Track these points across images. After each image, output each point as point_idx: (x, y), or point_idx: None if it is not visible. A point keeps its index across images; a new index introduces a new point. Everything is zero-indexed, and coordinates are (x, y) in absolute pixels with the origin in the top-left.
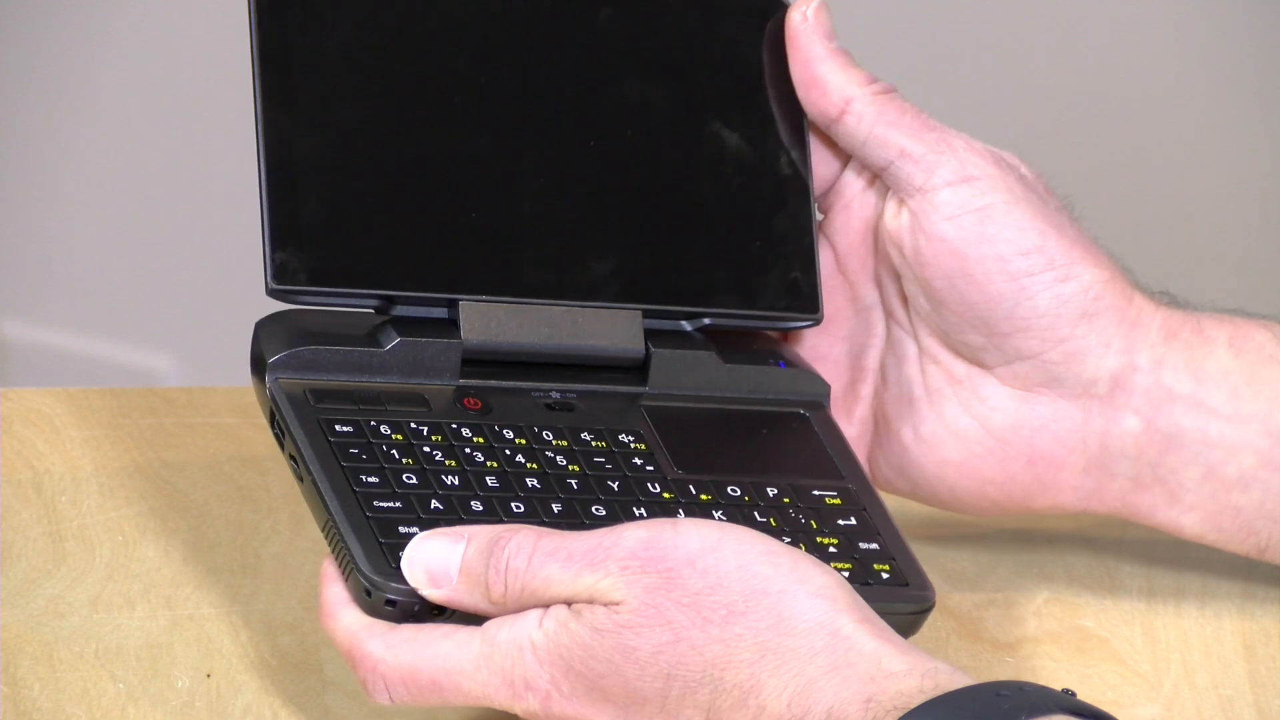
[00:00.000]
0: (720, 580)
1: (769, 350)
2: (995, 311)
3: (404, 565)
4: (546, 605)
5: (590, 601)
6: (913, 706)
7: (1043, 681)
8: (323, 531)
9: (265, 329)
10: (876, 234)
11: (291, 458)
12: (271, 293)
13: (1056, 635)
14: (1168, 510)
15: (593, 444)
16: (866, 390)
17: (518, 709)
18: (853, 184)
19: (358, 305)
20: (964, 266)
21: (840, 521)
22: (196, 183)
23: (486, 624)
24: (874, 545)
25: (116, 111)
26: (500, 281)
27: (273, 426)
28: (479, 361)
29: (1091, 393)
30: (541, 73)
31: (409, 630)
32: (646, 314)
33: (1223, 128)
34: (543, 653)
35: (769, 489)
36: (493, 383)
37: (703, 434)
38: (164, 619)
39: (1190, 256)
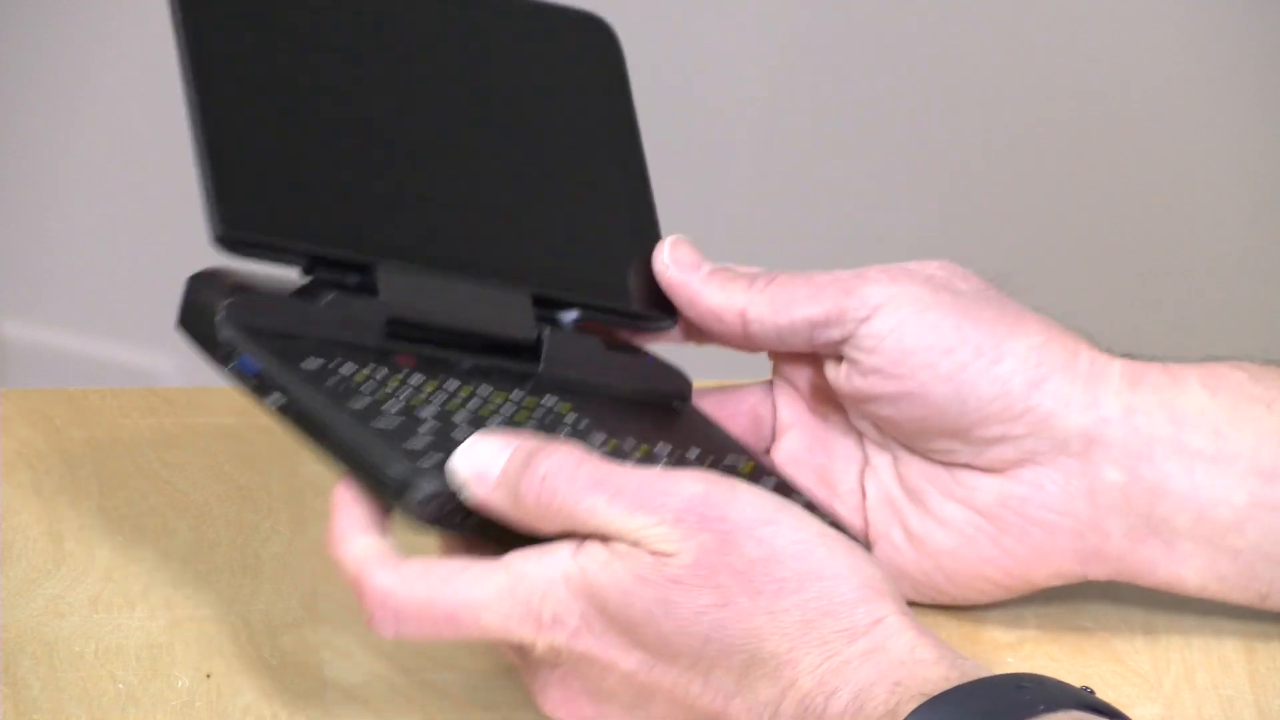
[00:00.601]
0: (776, 554)
1: (635, 344)
2: (946, 416)
3: (455, 460)
4: (580, 535)
5: (635, 544)
6: (937, 693)
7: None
8: (330, 455)
9: (199, 282)
10: (826, 383)
11: (278, 390)
12: (219, 239)
13: (1056, 635)
14: (1167, 563)
15: (525, 401)
16: (853, 508)
17: (540, 643)
18: (787, 364)
19: (291, 261)
20: (901, 389)
21: (764, 479)
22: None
23: (508, 556)
24: (805, 501)
25: (117, 111)
26: (417, 253)
27: (230, 365)
28: (398, 327)
29: (1067, 452)
30: (443, 81)
31: (422, 564)
32: (535, 300)
33: (1222, 128)
34: (576, 587)
35: (691, 451)
36: (414, 345)
37: (608, 407)
38: (164, 619)
39: (1189, 258)
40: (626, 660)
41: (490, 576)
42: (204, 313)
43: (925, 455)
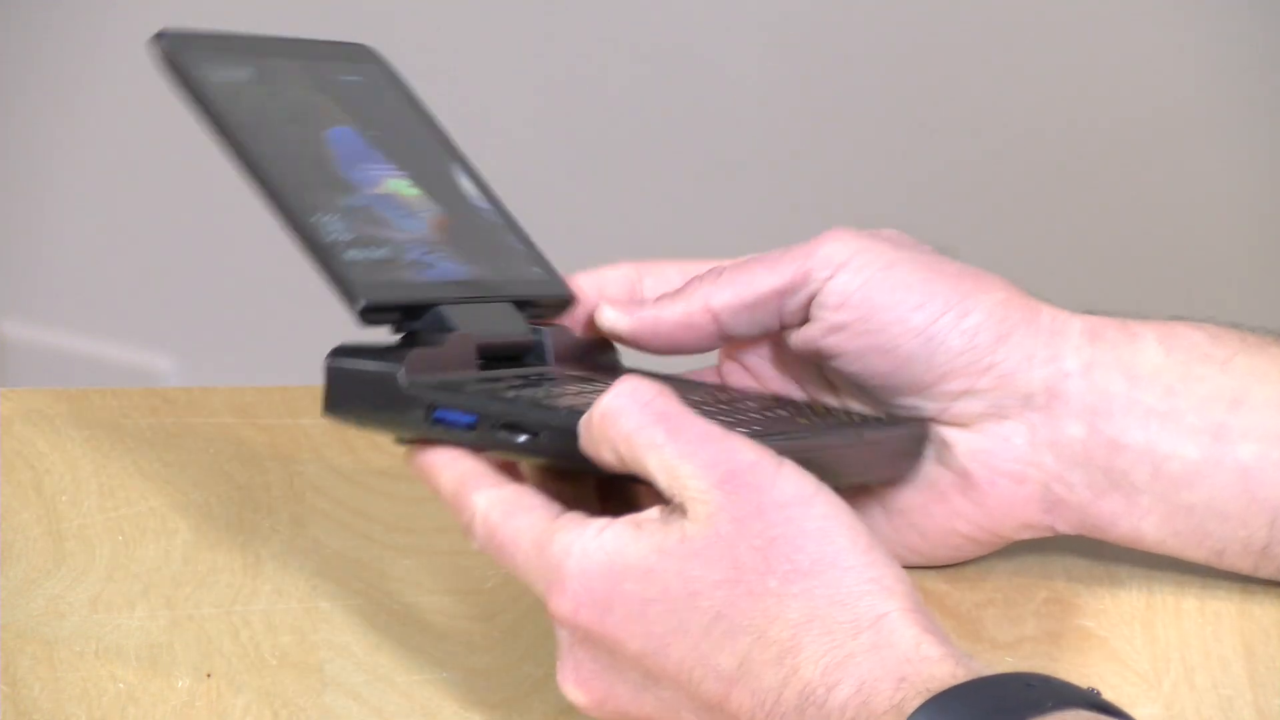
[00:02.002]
0: (797, 535)
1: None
2: (914, 370)
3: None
4: (631, 472)
5: (674, 492)
6: (944, 689)
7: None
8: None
9: (343, 359)
10: (782, 348)
11: (515, 428)
12: (364, 310)
13: (1056, 635)
14: (1127, 517)
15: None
16: None
17: (548, 608)
18: (736, 347)
19: (394, 320)
20: (871, 343)
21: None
22: (196, 183)
23: (558, 518)
24: None
25: (117, 111)
26: (451, 289)
27: (435, 420)
28: (482, 350)
29: (1032, 406)
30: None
31: (511, 489)
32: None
33: (1224, 131)
34: (592, 562)
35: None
36: (502, 367)
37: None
38: (164, 619)
39: (1192, 260)
40: (635, 641)
41: (537, 527)
42: (374, 384)
43: (888, 409)
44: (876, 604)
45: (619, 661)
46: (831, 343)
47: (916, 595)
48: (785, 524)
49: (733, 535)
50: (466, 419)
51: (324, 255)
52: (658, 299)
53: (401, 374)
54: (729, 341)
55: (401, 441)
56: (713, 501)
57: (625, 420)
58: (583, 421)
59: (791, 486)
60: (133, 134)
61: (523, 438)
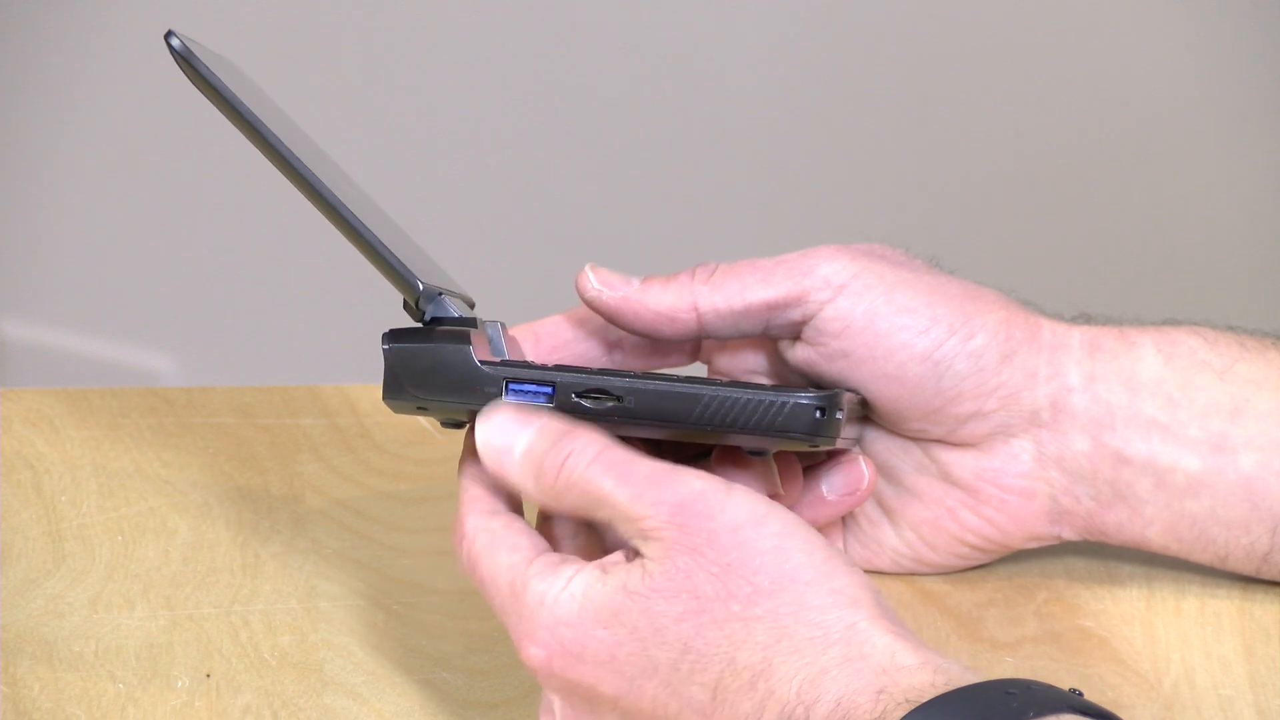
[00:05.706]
0: (754, 556)
1: None
2: (922, 395)
3: (480, 430)
4: (591, 520)
5: (633, 534)
6: (924, 700)
7: (1044, 681)
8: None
9: (405, 342)
10: (781, 362)
11: (602, 392)
12: (425, 291)
13: (1056, 635)
14: (1132, 525)
15: None
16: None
17: (520, 656)
18: (725, 356)
19: (427, 303)
20: (876, 370)
21: None
22: (197, 183)
23: (533, 562)
24: None
25: (117, 111)
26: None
27: (511, 397)
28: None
29: (1038, 423)
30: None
31: (501, 522)
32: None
33: (1228, 133)
34: (562, 610)
35: None
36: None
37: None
38: (164, 619)
39: (1195, 262)
40: (609, 685)
41: (515, 569)
42: (447, 362)
43: (894, 432)
44: (843, 615)
45: (597, 707)
46: (836, 368)
47: (883, 602)
48: (739, 547)
49: (690, 566)
50: (544, 390)
51: (376, 242)
52: (645, 282)
53: (472, 350)
54: (705, 337)
55: (449, 425)
56: (668, 536)
57: (578, 473)
58: (534, 478)
59: (743, 510)
60: (132, 134)
61: (609, 404)
